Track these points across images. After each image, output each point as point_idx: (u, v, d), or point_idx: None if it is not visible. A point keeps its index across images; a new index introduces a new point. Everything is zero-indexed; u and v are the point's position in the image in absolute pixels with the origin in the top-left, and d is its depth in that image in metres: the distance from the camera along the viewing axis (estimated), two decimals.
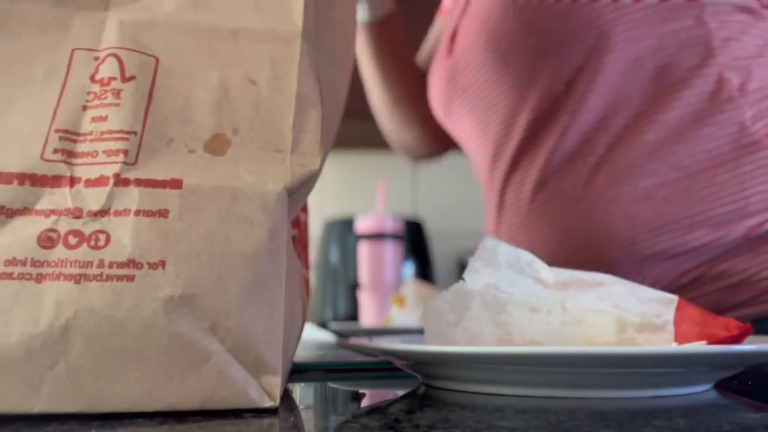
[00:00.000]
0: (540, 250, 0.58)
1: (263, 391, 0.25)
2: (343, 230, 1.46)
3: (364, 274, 1.08)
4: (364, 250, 1.09)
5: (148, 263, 0.24)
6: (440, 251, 1.80)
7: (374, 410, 0.26)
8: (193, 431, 0.22)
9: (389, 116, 0.88)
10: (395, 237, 1.10)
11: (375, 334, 0.68)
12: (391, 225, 1.10)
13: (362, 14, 0.76)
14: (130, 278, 0.23)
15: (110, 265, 0.24)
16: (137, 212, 0.24)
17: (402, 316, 0.81)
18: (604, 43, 0.53)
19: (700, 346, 0.26)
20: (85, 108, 0.26)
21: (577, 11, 0.54)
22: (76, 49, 0.27)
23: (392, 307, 0.84)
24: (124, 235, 0.24)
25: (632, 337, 0.28)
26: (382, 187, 1.17)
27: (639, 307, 0.28)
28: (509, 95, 0.61)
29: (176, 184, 0.25)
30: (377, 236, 1.08)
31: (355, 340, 0.34)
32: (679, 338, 0.32)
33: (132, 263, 0.24)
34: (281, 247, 0.26)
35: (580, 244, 0.56)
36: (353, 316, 1.37)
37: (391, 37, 0.80)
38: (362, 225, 1.10)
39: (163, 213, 0.25)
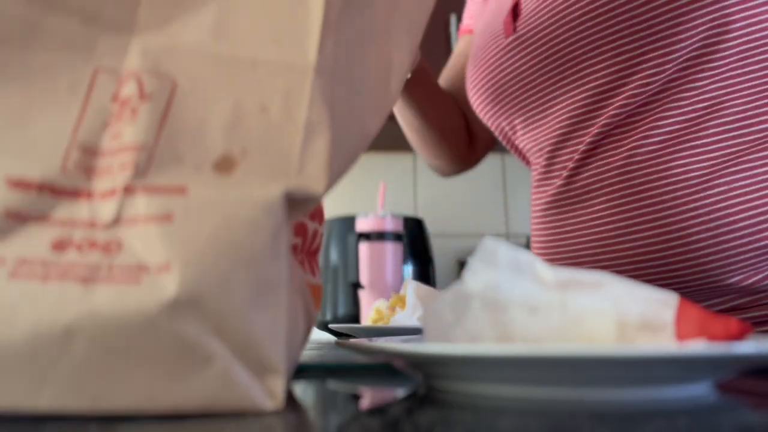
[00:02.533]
0: (638, 231, 0.55)
1: (267, 393, 0.25)
2: (343, 230, 1.46)
3: (364, 274, 1.08)
4: (364, 249, 1.09)
5: (155, 266, 0.24)
6: (440, 251, 1.80)
7: (374, 410, 0.26)
8: (194, 430, 0.22)
9: (418, 149, 0.92)
10: (395, 237, 1.10)
11: (375, 334, 0.68)
12: (391, 225, 1.10)
13: None
14: (136, 281, 0.24)
15: (118, 269, 0.24)
16: (145, 219, 0.25)
17: (402, 316, 0.81)
18: (724, 22, 0.51)
19: (700, 346, 0.26)
20: (105, 126, 0.27)
21: None
22: (100, 68, 0.28)
23: (378, 301, 0.84)
24: (135, 242, 0.24)
25: (632, 336, 0.28)
26: (382, 187, 1.17)
27: (639, 306, 0.28)
28: (603, 75, 0.57)
29: (181, 190, 0.26)
30: (377, 236, 1.08)
31: (355, 340, 0.34)
32: (680, 338, 0.32)
33: (140, 267, 0.24)
34: (283, 250, 0.26)
35: (692, 230, 0.52)
36: (353, 316, 1.37)
37: (420, 89, 0.82)
38: (362, 225, 1.10)
39: (168, 217, 0.25)
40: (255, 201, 0.26)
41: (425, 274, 1.52)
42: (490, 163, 1.95)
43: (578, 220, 0.60)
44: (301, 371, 0.39)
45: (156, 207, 0.25)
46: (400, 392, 0.30)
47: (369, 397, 0.30)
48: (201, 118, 0.27)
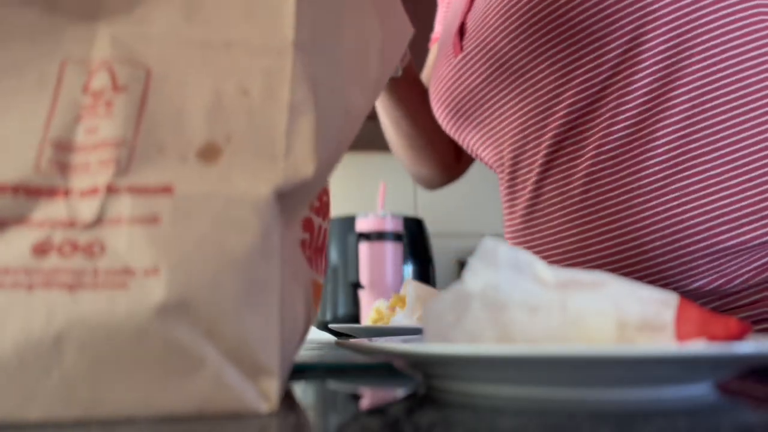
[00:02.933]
0: (594, 245, 0.56)
1: (260, 394, 0.25)
2: (343, 230, 1.46)
3: (364, 274, 1.08)
4: (364, 250, 1.09)
5: (142, 270, 0.24)
6: (440, 251, 1.80)
7: (374, 410, 0.26)
8: (194, 431, 0.22)
9: (405, 155, 0.91)
10: (395, 237, 1.10)
11: (375, 334, 0.68)
12: (391, 225, 1.09)
13: None
14: (124, 285, 0.23)
15: (104, 273, 0.24)
16: (130, 220, 0.24)
17: (402, 316, 0.81)
18: (649, 19, 0.51)
19: (700, 346, 0.26)
20: (78, 120, 0.26)
21: None
22: (68, 59, 0.27)
23: (378, 301, 0.84)
24: (119, 244, 0.24)
25: (632, 336, 0.28)
26: (382, 187, 1.17)
27: (639, 306, 0.28)
28: (543, 84, 0.58)
29: (168, 190, 0.25)
30: (377, 236, 1.08)
31: (355, 341, 0.34)
32: (680, 338, 0.32)
33: (125, 271, 0.24)
34: (274, 251, 0.26)
35: (647, 238, 0.53)
36: (353, 316, 1.37)
37: (407, 89, 0.82)
38: (362, 225, 1.10)
39: (155, 220, 0.24)
40: (243, 201, 0.25)
41: (425, 274, 1.52)
42: None
43: (543, 237, 0.61)
44: (301, 371, 0.39)
45: (141, 208, 0.25)
46: (400, 392, 0.30)
47: (369, 397, 0.30)
48: (179, 106, 0.27)
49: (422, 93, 0.85)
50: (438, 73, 0.71)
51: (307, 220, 0.34)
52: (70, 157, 0.26)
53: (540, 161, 0.60)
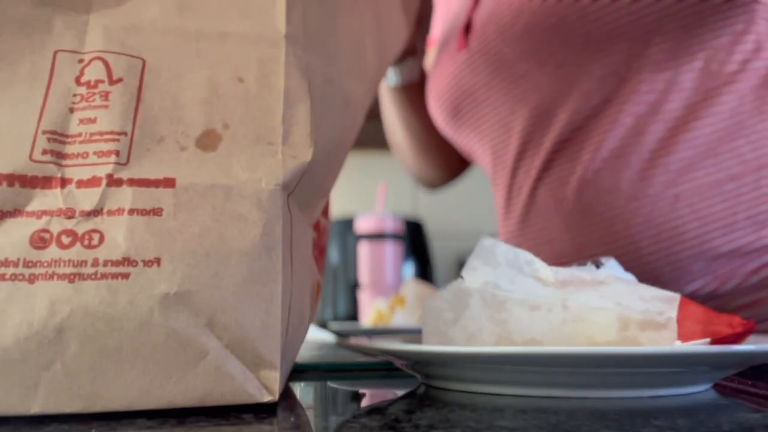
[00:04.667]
0: (589, 250, 0.56)
1: (262, 386, 0.25)
2: (343, 230, 1.46)
3: (364, 274, 1.08)
4: (364, 250, 1.09)
5: (143, 261, 0.24)
6: (440, 251, 1.80)
7: (374, 410, 0.25)
8: (193, 429, 0.22)
9: (411, 156, 0.92)
10: (395, 237, 1.10)
11: (375, 334, 0.68)
12: (391, 225, 1.09)
13: (392, 79, 0.81)
14: (125, 276, 0.23)
15: (105, 264, 0.24)
16: (131, 211, 0.24)
17: (402, 316, 0.81)
18: (651, 31, 0.52)
19: (699, 346, 0.26)
20: (72, 110, 0.26)
21: (628, 8, 0.52)
22: (59, 50, 0.27)
23: (377, 300, 0.84)
24: (118, 234, 0.24)
25: (635, 335, 0.28)
26: (382, 187, 1.17)
27: (641, 304, 0.28)
28: (547, 89, 0.58)
29: (169, 182, 0.25)
30: (377, 236, 1.08)
31: (355, 340, 0.34)
32: (682, 336, 0.32)
33: (127, 261, 0.24)
34: (276, 244, 0.26)
35: (641, 244, 0.53)
36: (353, 316, 1.37)
37: (420, 89, 0.82)
38: (362, 225, 1.10)
39: (157, 211, 0.25)
40: (245, 193, 0.26)
41: (425, 274, 1.52)
42: None
43: (538, 241, 0.61)
44: (301, 371, 0.39)
45: (143, 200, 0.25)
46: (400, 392, 0.30)
47: (369, 397, 0.30)
48: (175, 96, 0.27)
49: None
50: (439, 69, 0.71)
51: (317, 222, 0.35)
52: (65, 147, 0.26)
53: (537, 167, 0.60)
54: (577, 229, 0.57)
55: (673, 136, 0.52)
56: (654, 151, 0.53)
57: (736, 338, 0.31)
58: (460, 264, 1.77)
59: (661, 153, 0.52)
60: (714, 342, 0.31)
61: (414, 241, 1.50)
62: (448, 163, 0.91)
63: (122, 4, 0.28)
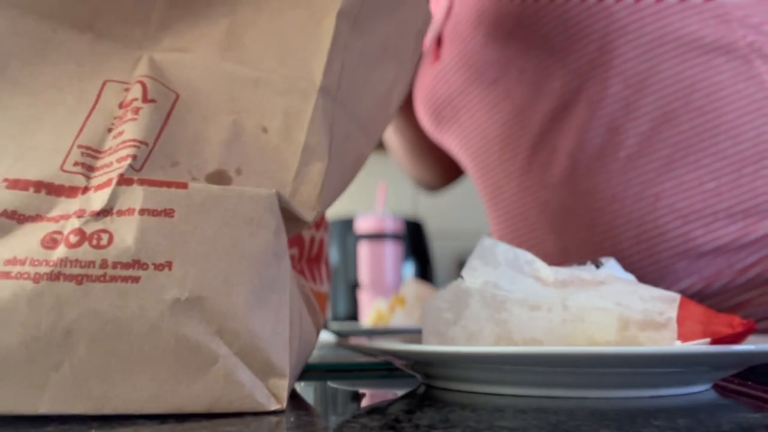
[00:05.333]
0: (575, 253, 0.56)
1: (270, 394, 0.25)
2: (343, 230, 1.46)
3: (364, 274, 1.08)
4: (364, 250, 1.09)
5: (154, 264, 0.23)
6: (440, 251, 1.80)
7: (374, 410, 0.25)
8: (194, 430, 0.22)
9: (407, 161, 0.93)
10: (395, 237, 1.10)
11: (375, 334, 0.68)
12: (391, 225, 1.09)
13: None
14: (135, 279, 0.23)
15: (114, 266, 0.23)
16: (142, 211, 0.24)
17: (402, 316, 0.81)
18: (619, 32, 0.51)
19: (699, 346, 0.26)
20: (110, 130, 0.27)
21: (589, 9, 0.52)
22: (109, 80, 0.28)
23: (377, 300, 0.84)
24: (128, 235, 0.24)
25: (635, 335, 0.28)
26: (382, 187, 1.17)
27: (641, 304, 0.28)
28: (516, 93, 0.59)
29: (182, 185, 0.25)
30: (377, 236, 1.08)
31: (355, 340, 0.34)
32: (683, 336, 0.32)
33: (137, 264, 0.23)
34: (285, 251, 0.26)
35: (625, 245, 0.53)
36: (353, 316, 1.37)
37: (409, 107, 0.83)
38: (362, 225, 1.10)
39: (168, 212, 0.24)
40: (258, 198, 0.25)
41: (425, 274, 1.52)
42: None
43: (527, 243, 0.61)
44: (302, 371, 0.39)
45: (154, 200, 0.24)
46: (400, 392, 0.30)
47: (369, 397, 0.30)
48: (199, 132, 0.27)
49: None
50: (421, 79, 0.72)
51: (296, 236, 0.34)
52: (97, 161, 0.26)
53: (517, 171, 0.61)
54: (562, 231, 0.57)
55: (650, 134, 0.52)
56: (631, 149, 0.53)
57: (736, 338, 0.31)
58: (460, 264, 1.77)
59: (639, 152, 0.52)
60: (714, 342, 0.31)
61: (414, 241, 1.50)
62: (442, 167, 0.92)
63: (175, 42, 0.29)
